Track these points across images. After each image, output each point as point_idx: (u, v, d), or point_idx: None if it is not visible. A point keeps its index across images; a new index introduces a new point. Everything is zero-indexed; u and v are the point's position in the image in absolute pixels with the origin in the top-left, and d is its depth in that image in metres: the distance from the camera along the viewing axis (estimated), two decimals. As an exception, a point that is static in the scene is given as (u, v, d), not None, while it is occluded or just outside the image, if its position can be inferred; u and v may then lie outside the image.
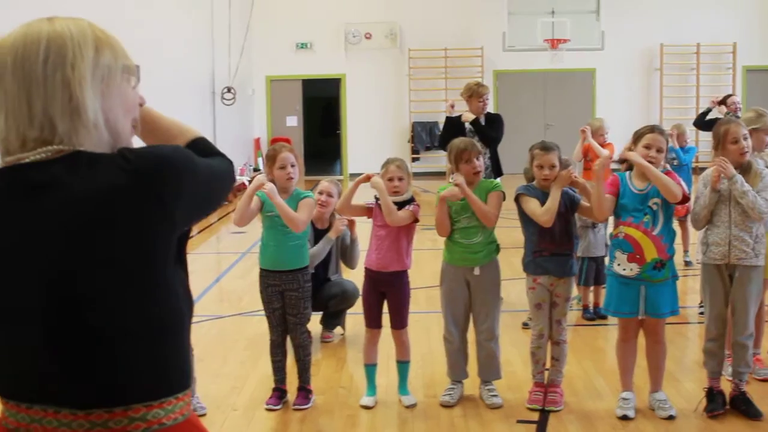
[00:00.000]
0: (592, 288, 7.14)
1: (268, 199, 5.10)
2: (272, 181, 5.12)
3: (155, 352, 1.73)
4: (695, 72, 20.34)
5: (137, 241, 1.69)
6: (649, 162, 4.80)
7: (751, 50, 20.21)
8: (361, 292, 5.51)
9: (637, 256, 4.83)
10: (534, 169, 5.18)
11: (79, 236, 1.66)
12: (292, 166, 5.15)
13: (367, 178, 5.14)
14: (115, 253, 1.67)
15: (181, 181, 1.74)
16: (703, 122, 11.00)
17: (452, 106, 8.01)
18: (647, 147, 4.84)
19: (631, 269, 4.85)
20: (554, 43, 19.29)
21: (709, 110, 11.21)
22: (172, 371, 1.76)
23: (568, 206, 5.12)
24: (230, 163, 2.00)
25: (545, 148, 5.16)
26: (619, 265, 4.89)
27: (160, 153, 1.75)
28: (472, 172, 5.18)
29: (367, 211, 5.28)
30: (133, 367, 1.70)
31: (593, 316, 7.06)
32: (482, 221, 5.12)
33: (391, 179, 5.16)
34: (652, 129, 4.94)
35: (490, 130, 7.67)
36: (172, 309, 1.76)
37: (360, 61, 20.30)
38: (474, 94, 7.69)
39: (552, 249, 5.08)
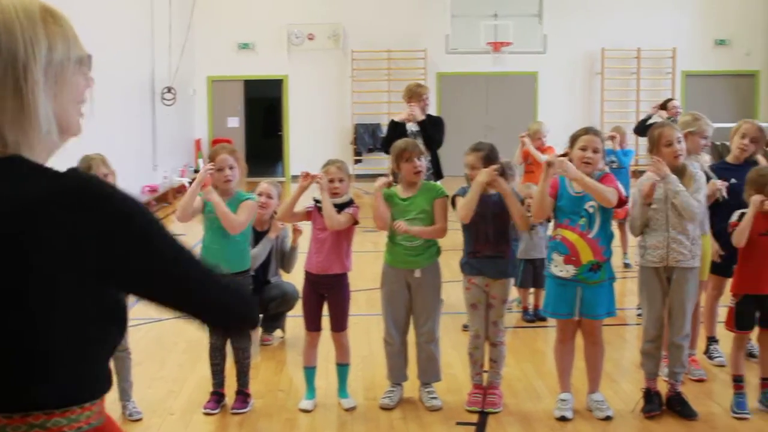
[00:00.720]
0: (532, 290, 7.17)
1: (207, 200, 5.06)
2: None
3: (60, 361, 1.65)
4: (636, 76, 20.62)
5: (45, 264, 1.60)
6: (586, 163, 4.83)
7: (691, 56, 20.56)
8: (301, 295, 5.46)
9: (573, 258, 4.85)
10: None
11: None
12: (230, 168, 5.09)
13: (306, 177, 5.10)
14: (24, 265, 1.59)
15: (114, 227, 1.62)
16: (643, 128, 11.13)
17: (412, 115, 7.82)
18: (583, 149, 4.88)
19: (568, 271, 4.87)
20: (497, 46, 19.42)
21: (649, 116, 11.36)
22: (78, 380, 1.69)
23: (505, 208, 5.10)
24: (240, 295, 1.85)
25: (471, 148, 5.18)
26: (556, 266, 4.91)
27: (105, 191, 1.65)
28: (413, 171, 5.17)
29: (307, 214, 5.24)
30: (34, 374, 1.63)
31: (533, 318, 7.10)
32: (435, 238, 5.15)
33: (331, 180, 5.13)
34: (587, 131, 4.97)
35: (434, 132, 7.67)
36: (83, 319, 1.66)
37: (303, 62, 20.22)
38: (414, 95, 7.69)
39: (486, 251, 5.09)
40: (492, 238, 5.08)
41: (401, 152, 5.20)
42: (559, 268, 4.90)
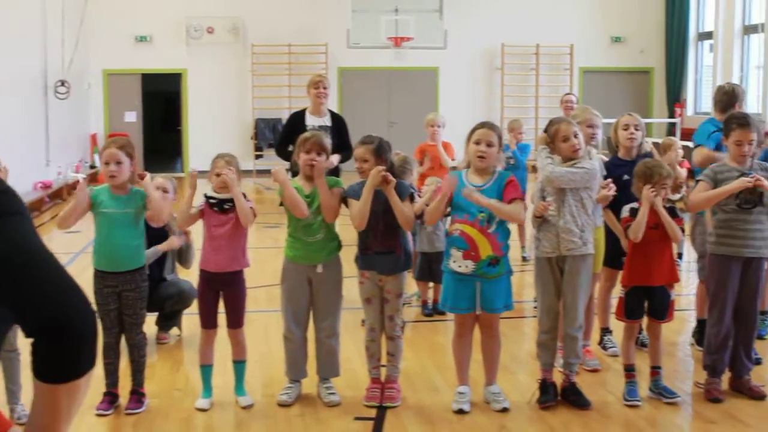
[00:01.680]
0: (431, 284, 7.19)
1: (99, 196, 4.93)
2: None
3: None
4: (535, 72, 20.95)
5: None
6: (480, 156, 4.87)
7: (588, 52, 20.98)
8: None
9: (473, 254, 4.88)
10: None
11: None
12: (118, 163, 4.94)
13: (194, 177, 5.08)
14: None
15: None
16: None
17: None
18: (477, 142, 4.91)
19: (467, 266, 4.89)
20: (398, 41, 19.48)
21: None
22: None
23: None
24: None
25: (361, 141, 5.19)
26: (454, 262, 4.93)
27: None
28: (308, 162, 5.10)
29: (200, 213, 5.14)
30: None
31: (432, 312, 7.12)
32: (324, 213, 5.07)
33: (218, 174, 5.04)
34: (483, 125, 5.01)
35: (344, 135, 7.71)
36: None
37: (202, 56, 19.90)
38: (310, 83, 7.68)
39: (376, 247, 5.08)
40: (381, 235, 5.05)
41: (303, 141, 5.14)
42: (457, 263, 4.91)
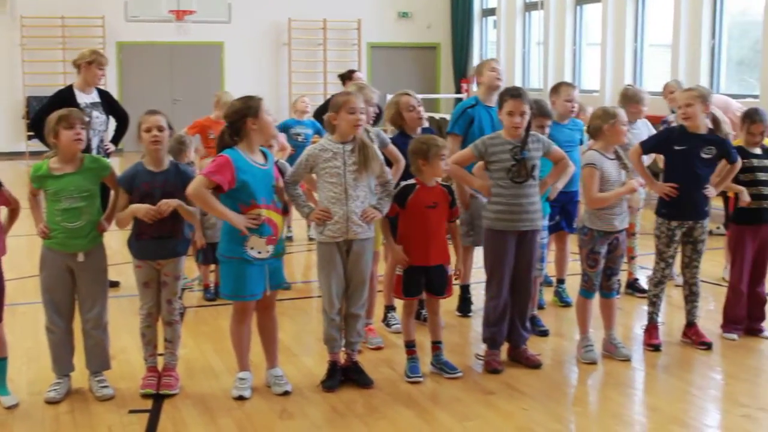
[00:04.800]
0: (213, 267, 6.95)
1: None
2: None
3: None
4: (322, 47, 20.92)
5: None
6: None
7: (375, 28, 21.17)
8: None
9: (274, 238, 4.74)
10: None
11: None
12: None
13: None
14: None
15: None
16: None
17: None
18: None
19: (268, 251, 4.75)
20: (179, 15, 18.83)
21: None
22: None
23: (175, 188, 4.81)
24: None
25: (147, 112, 4.92)
26: (253, 249, 4.71)
27: None
28: (73, 138, 4.74)
29: None
30: None
31: (214, 296, 6.89)
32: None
33: None
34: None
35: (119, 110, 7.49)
36: None
37: (-35, 28, 18.57)
38: (87, 59, 7.23)
39: (151, 232, 4.82)
40: (158, 220, 4.77)
41: (62, 118, 4.76)
42: (257, 249, 4.72)
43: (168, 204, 4.71)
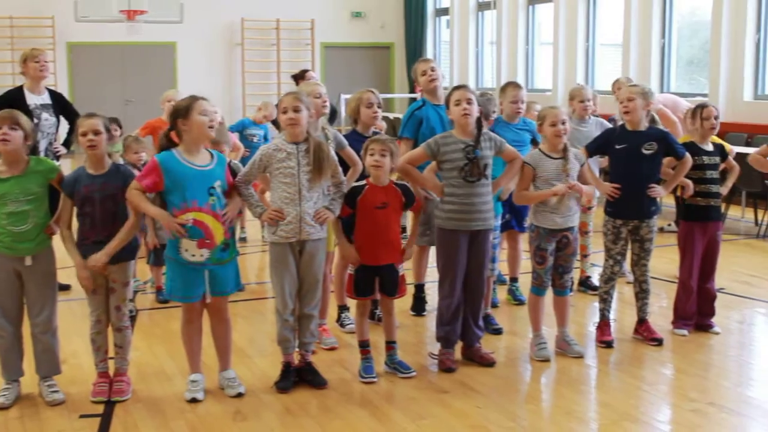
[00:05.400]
0: (165, 269, 6.87)
1: None
2: None
3: None
4: (276, 47, 20.84)
5: None
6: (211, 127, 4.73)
7: (328, 28, 21.13)
8: None
9: (208, 241, 4.68)
10: None
11: None
12: None
13: None
14: None
15: None
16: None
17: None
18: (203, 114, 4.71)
19: (202, 255, 4.69)
20: (131, 14, 18.65)
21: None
22: None
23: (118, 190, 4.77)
24: None
25: (84, 115, 4.83)
26: (187, 251, 4.68)
27: None
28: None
29: None
30: None
31: (166, 299, 6.80)
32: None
33: None
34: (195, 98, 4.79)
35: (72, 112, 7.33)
36: None
37: None
38: (29, 57, 7.15)
39: (93, 237, 4.76)
40: (101, 223, 4.73)
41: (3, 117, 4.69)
42: (191, 252, 4.68)
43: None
